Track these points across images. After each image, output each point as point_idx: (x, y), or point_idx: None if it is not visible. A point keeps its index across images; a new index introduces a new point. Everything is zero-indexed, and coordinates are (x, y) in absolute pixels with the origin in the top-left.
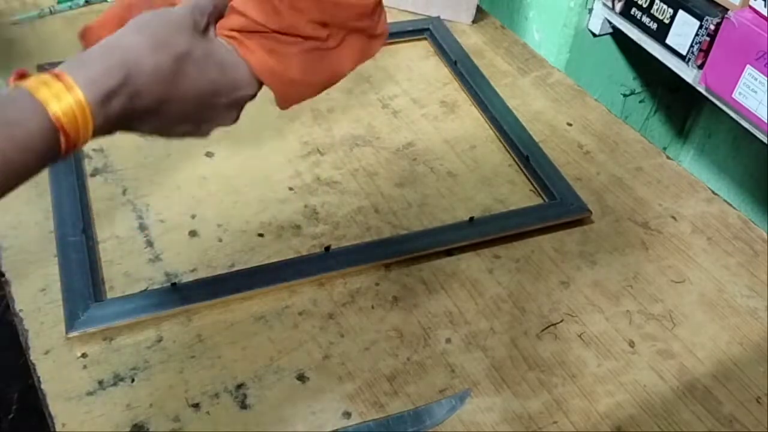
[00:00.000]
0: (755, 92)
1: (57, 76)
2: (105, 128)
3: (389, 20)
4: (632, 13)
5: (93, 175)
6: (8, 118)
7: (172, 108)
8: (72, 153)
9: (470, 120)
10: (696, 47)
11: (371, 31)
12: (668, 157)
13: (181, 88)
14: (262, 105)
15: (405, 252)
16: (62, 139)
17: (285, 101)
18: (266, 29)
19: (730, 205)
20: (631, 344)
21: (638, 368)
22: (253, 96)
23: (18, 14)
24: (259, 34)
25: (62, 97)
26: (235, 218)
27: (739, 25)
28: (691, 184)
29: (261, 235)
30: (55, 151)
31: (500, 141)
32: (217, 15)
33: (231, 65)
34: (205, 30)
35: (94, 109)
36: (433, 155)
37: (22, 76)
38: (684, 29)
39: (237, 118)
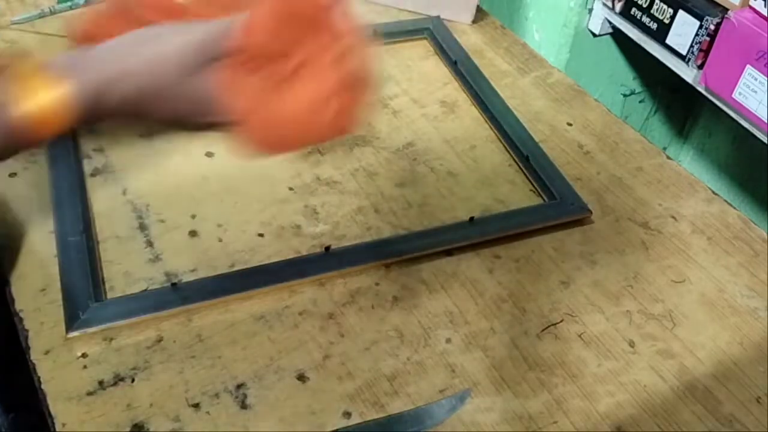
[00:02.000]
0: (755, 92)
1: (44, 70)
2: (78, 120)
3: (389, 20)
4: (632, 13)
5: (93, 175)
6: None
7: (143, 116)
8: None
9: (470, 120)
10: (696, 47)
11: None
12: (668, 157)
13: (154, 108)
14: None
15: (405, 252)
16: (29, 130)
17: (262, 143)
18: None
19: (730, 205)
20: (631, 344)
21: (638, 368)
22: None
23: (18, 14)
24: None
25: (41, 93)
26: (235, 218)
27: (739, 25)
28: (691, 184)
29: (261, 235)
30: (20, 141)
31: (500, 141)
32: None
33: (208, 103)
34: (204, 65)
35: (71, 111)
36: (433, 155)
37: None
38: (684, 29)
39: (208, 127)
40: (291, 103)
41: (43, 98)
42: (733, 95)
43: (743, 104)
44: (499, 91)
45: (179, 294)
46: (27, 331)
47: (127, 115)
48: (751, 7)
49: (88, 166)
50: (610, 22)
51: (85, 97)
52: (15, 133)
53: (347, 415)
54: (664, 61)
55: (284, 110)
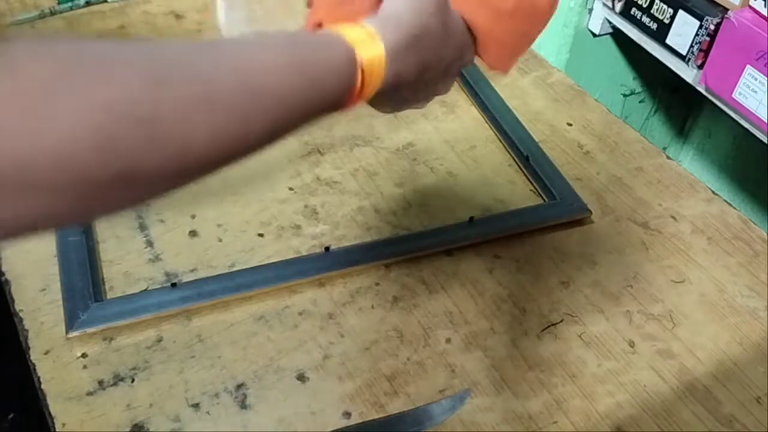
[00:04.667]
0: (755, 92)
1: (363, 27)
2: (389, 84)
3: None
4: (632, 13)
5: None
6: (323, 51)
7: (429, 74)
8: (355, 103)
9: (470, 120)
10: (696, 47)
11: None
12: (668, 157)
13: (445, 51)
14: None
15: (405, 252)
16: (358, 86)
17: (495, 59)
18: None
19: (730, 205)
20: (631, 344)
21: (638, 368)
22: (472, 61)
23: (18, 14)
24: None
25: (368, 46)
26: (235, 218)
27: (739, 25)
28: (691, 184)
29: (261, 235)
30: (347, 94)
31: (500, 141)
32: None
33: (464, 29)
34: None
35: (389, 65)
36: (433, 155)
37: (319, 25)
38: (684, 29)
39: (450, 87)
40: None
41: (374, 51)
42: (733, 95)
43: (743, 104)
44: (499, 91)
45: (179, 294)
46: (27, 331)
47: (415, 82)
48: (751, 7)
49: None
50: (610, 22)
51: (399, 53)
52: (347, 84)
53: (347, 415)
54: (664, 61)
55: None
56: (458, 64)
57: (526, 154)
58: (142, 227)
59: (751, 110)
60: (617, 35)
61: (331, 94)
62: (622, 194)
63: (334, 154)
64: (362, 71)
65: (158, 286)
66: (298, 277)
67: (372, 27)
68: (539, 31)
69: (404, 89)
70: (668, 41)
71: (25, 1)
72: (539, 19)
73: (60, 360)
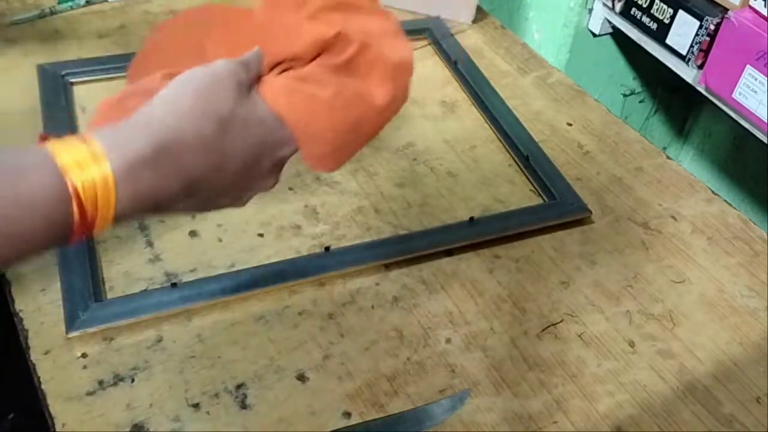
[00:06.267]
0: (755, 92)
1: (83, 140)
2: (133, 208)
3: None
4: (632, 13)
5: None
6: (19, 181)
7: (217, 178)
8: (87, 234)
9: (470, 120)
10: (696, 47)
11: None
12: (668, 157)
13: (228, 153)
14: None
15: (405, 252)
16: (76, 214)
17: (314, 156)
18: (292, 59)
19: (730, 205)
20: (631, 344)
21: (638, 368)
22: (293, 152)
23: (18, 14)
24: (285, 73)
25: (88, 168)
26: (235, 218)
27: (739, 25)
28: (691, 184)
29: (261, 235)
30: (67, 228)
31: (500, 141)
32: (265, 70)
33: (271, 122)
34: (249, 87)
35: (120, 183)
36: (433, 155)
37: (45, 139)
38: (684, 29)
39: (276, 181)
40: (353, 95)
41: (94, 174)
42: (733, 95)
43: (743, 104)
44: (499, 91)
45: (179, 294)
46: (27, 331)
47: (193, 186)
48: (751, 7)
49: None
50: (610, 22)
51: (142, 168)
52: (61, 212)
53: (347, 415)
54: (664, 61)
55: (346, 103)
56: (274, 159)
57: (526, 154)
58: (142, 227)
59: (751, 110)
60: (617, 35)
61: (41, 230)
62: (622, 194)
63: None
64: (80, 200)
65: (158, 286)
66: (298, 277)
67: (99, 143)
68: (376, 128)
69: (181, 200)
70: (668, 41)
71: (25, 0)
72: (373, 114)
73: (60, 360)
